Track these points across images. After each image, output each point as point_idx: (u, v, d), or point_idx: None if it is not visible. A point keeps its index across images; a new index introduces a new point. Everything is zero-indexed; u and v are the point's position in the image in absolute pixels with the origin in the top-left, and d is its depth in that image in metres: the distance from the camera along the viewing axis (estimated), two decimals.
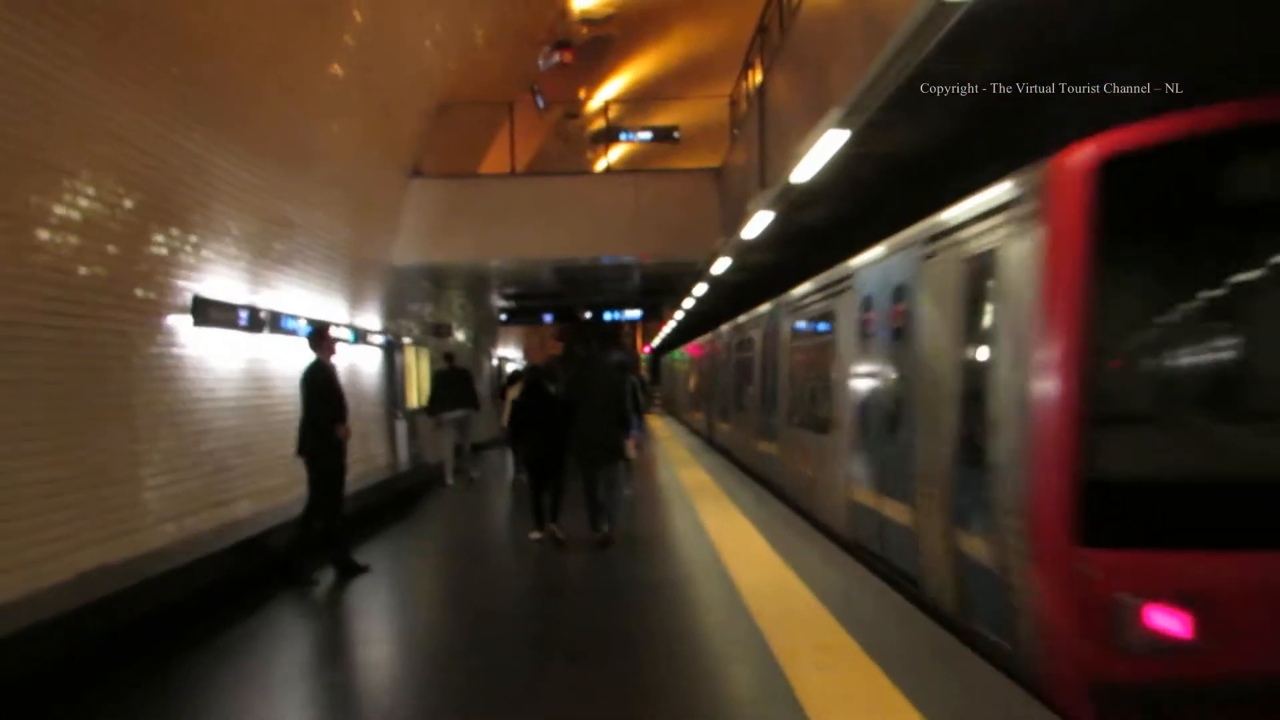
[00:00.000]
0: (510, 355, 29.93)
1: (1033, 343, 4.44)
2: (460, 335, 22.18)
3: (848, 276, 8.55)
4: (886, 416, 6.97)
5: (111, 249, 7.20)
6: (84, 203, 6.83)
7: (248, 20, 8.64)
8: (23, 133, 6.20)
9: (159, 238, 7.88)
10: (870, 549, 7.42)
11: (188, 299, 8.30)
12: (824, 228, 12.56)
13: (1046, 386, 4.30)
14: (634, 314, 21.10)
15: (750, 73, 13.47)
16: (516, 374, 14.64)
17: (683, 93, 25.41)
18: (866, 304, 7.84)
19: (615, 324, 21.23)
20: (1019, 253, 4.70)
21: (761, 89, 11.40)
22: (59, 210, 6.57)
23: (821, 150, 7.56)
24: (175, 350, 8.17)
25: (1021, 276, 4.64)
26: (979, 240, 5.29)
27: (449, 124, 16.01)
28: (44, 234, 6.44)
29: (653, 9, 20.92)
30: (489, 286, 20.81)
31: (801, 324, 10.87)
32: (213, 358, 8.88)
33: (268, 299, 10.10)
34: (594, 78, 23.36)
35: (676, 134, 21.46)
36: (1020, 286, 4.64)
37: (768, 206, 10.28)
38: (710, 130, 23.01)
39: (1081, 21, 5.53)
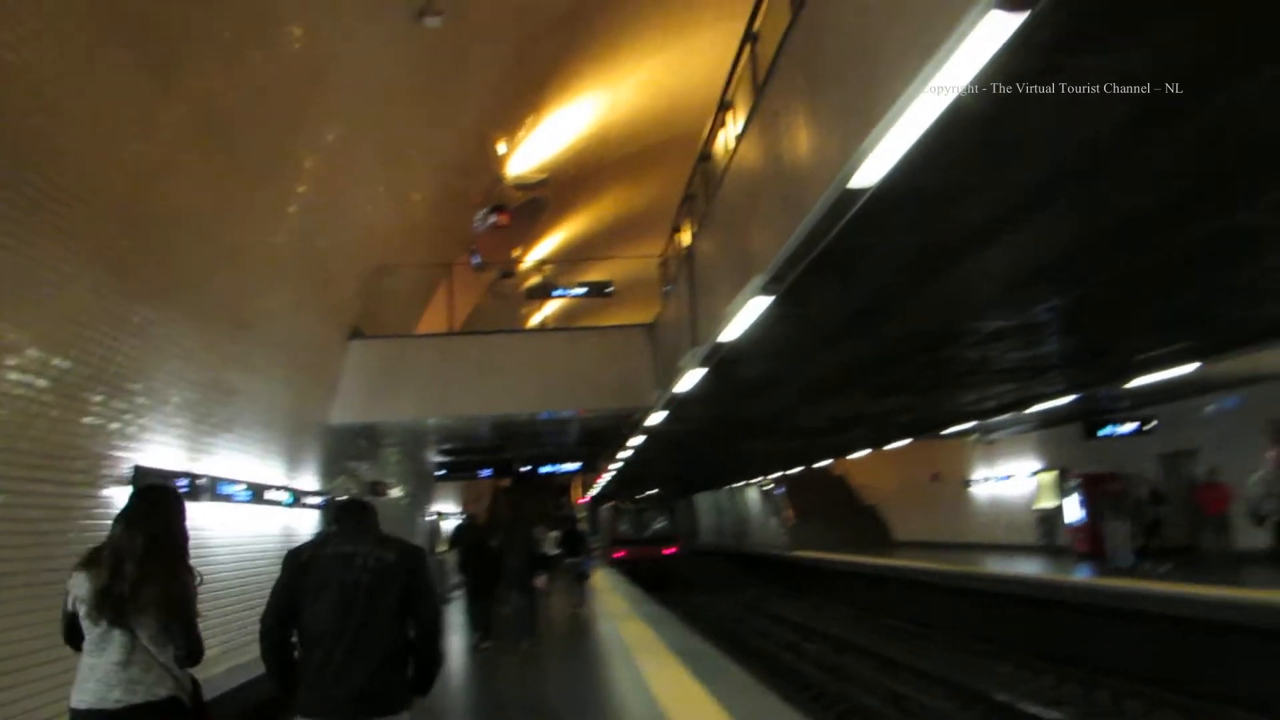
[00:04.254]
0: (446, 510, 29.63)
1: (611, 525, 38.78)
2: (396, 492, 22.04)
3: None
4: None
5: (49, 422, 7.26)
6: (27, 378, 6.94)
7: (193, 193, 8.95)
8: None
9: (100, 409, 7.96)
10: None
11: (127, 469, 8.32)
12: (755, 380, 13.02)
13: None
14: (572, 466, 21.24)
15: (678, 235, 14.13)
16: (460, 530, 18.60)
17: (615, 248, 26.31)
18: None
19: (552, 479, 24.15)
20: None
21: (690, 252, 11.98)
22: (1, 387, 6.66)
23: (747, 314, 8.00)
24: (110, 522, 8.12)
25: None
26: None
27: (387, 284, 16.40)
28: None
29: (585, 173, 21.89)
30: (426, 443, 20.85)
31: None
32: None
33: (206, 465, 10.11)
34: (528, 237, 24.12)
35: (610, 289, 22.10)
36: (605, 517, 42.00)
37: (699, 364, 10.68)
38: (640, 284, 23.74)
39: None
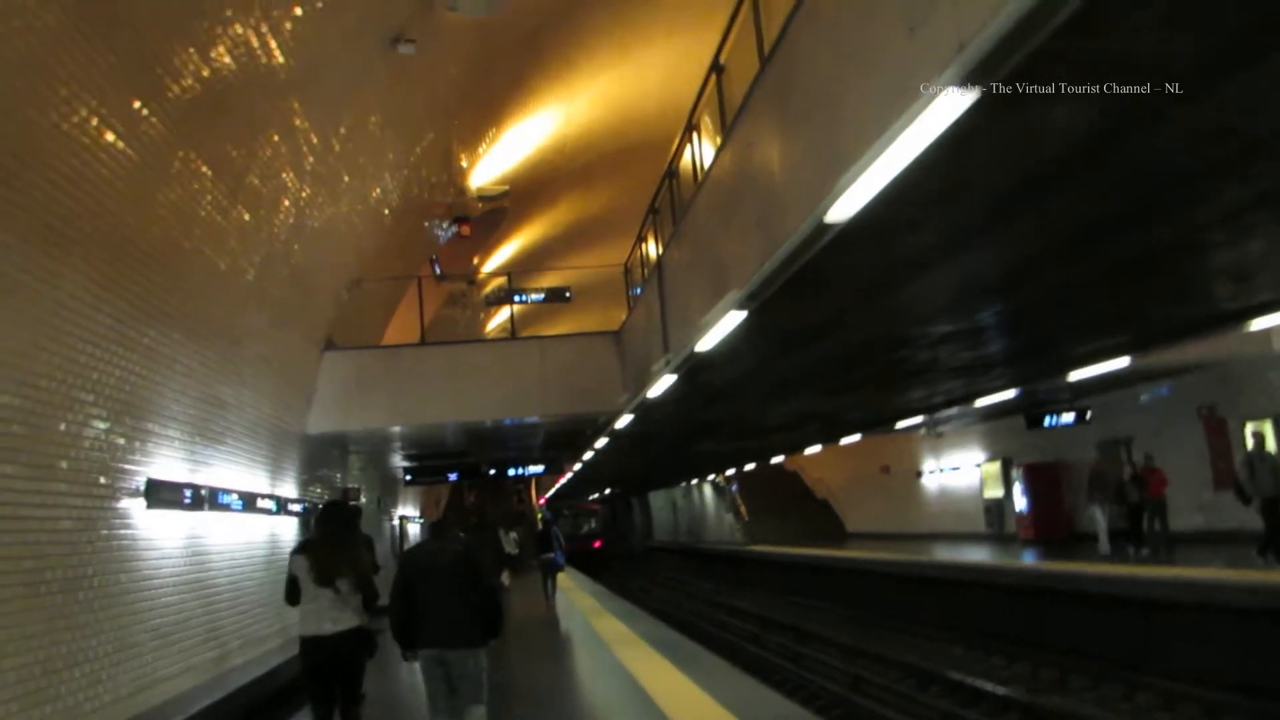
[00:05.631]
0: (410, 514, 30.00)
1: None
2: (364, 498, 22.43)
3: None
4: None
5: (80, 442, 7.72)
6: (54, 401, 7.39)
7: (188, 218, 9.40)
8: (4, 342, 6.81)
9: (116, 427, 8.42)
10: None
11: (140, 482, 8.78)
12: (720, 383, 13.72)
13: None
14: (536, 469, 21.85)
15: (643, 245, 14.78)
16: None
17: (571, 253, 26.91)
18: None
19: (516, 483, 25.19)
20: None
21: (660, 263, 12.64)
22: (35, 410, 7.11)
23: (723, 326, 8.68)
24: (127, 531, 8.60)
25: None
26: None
27: (356, 296, 16.83)
28: (16, 429, 6.97)
29: (541, 183, 22.44)
30: (394, 449, 21.29)
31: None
32: (157, 536, 9.29)
33: (205, 477, 10.57)
34: (487, 246, 24.63)
35: (569, 294, 22.70)
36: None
37: (671, 371, 11.34)
38: (596, 289, 24.41)
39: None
